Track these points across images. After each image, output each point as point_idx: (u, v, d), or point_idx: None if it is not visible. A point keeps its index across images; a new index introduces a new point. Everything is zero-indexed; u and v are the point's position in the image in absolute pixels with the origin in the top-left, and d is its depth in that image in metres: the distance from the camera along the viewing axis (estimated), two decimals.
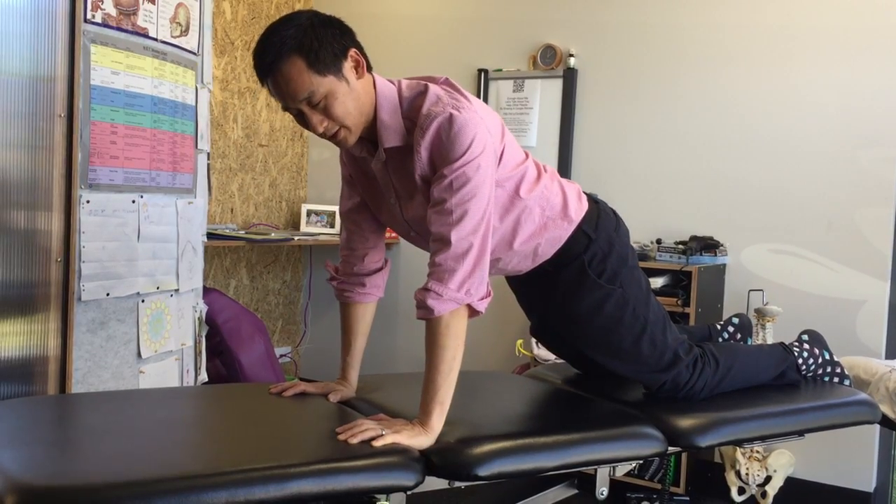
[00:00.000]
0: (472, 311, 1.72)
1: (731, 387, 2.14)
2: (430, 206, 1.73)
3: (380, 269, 2.06)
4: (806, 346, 2.33)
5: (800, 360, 2.28)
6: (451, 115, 1.69)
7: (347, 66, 1.71)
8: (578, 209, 1.98)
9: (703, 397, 2.08)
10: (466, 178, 1.68)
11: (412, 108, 1.77)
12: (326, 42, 1.68)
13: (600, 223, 2.00)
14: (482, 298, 1.72)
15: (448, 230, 1.68)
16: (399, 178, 1.83)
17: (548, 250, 1.96)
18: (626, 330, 2.00)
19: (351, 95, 1.72)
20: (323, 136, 1.76)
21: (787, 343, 2.34)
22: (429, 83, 1.79)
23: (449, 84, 1.81)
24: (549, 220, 1.94)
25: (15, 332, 2.28)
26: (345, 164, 2.01)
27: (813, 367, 2.30)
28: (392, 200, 1.89)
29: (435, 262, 1.69)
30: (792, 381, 2.28)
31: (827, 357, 2.34)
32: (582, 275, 1.97)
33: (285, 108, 1.74)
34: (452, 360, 1.69)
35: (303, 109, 1.71)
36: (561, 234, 1.95)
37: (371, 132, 1.79)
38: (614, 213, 2.10)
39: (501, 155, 1.82)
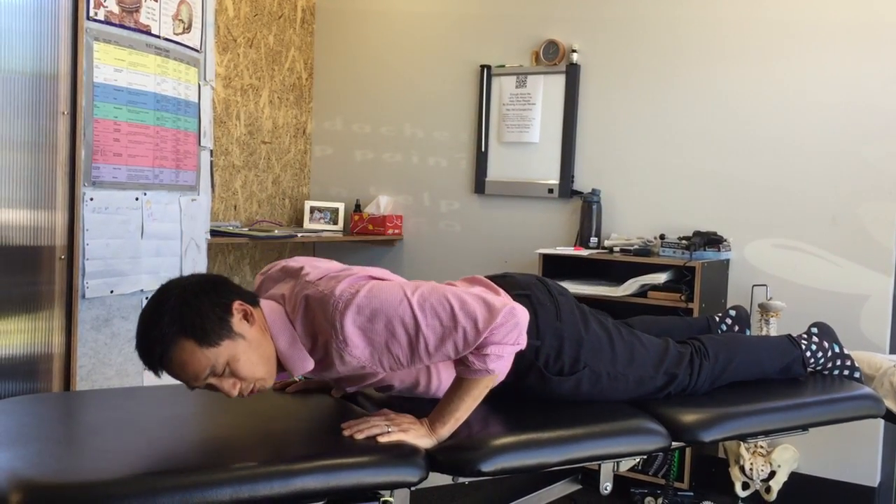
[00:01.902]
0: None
1: (734, 378, 2.14)
2: (442, 359, 1.68)
3: None
4: (815, 338, 2.31)
5: (807, 354, 2.26)
6: (352, 307, 1.61)
7: (236, 320, 1.63)
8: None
9: (706, 390, 2.08)
10: (430, 317, 1.63)
11: (308, 324, 1.68)
12: (206, 310, 1.59)
13: (540, 322, 1.90)
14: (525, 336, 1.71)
15: (476, 342, 1.63)
16: (327, 375, 1.78)
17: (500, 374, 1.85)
18: (611, 391, 1.97)
19: (251, 347, 1.63)
20: (240, 395, 1.66)
21: (795, 336, 2.32)
22: (304, 292, 1.70)
23: (310, 271, 1.74)
24: None
25: (19, 329, 2.29)
26: None
27: (822, 360, 2.29)
28: (333, 384, 1.89)
29: (488, 343, 1.64)
30: (797, 375, 2.26)
31: (837, 350, 2.31)
32: (543, 378, 1.92)
33: (192, 388, 1.65)
34: (485, 389, 1.71)
35: (210, 382, 1.63)
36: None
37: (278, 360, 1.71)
38: (549, 291, 1.99)
39: None
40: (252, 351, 1.64)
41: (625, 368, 1.97)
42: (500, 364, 1.66)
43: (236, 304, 1.64)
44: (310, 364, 1.71)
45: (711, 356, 2.07)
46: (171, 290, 1.63)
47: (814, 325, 2.38)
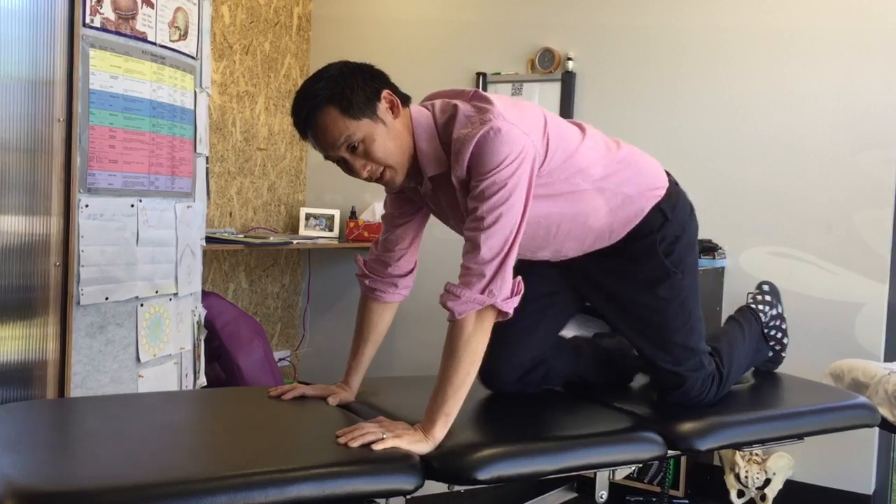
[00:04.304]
0: (500, 313, 1.73)
1: (727, 389, 2.14)
2: (467, 214, 1.75)
3: (412, 271, 2.08)
4: (767, 297, 2.40)
5: (764, 320, 2.35)
6: (481, 135, 1.69)
7: (382, 107, 1.73)
8: (660, 186, 2.01)
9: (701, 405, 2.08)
10: (498, 186, 1.69)
11: (447, 134, 1.77)
12: (357, 87, 1.71)
13: (678, 206, 2.03)
14: (507, 298, 1.71)
15: (479, 235, 1.69)
16: (448, 201, 1.85)
17: (624, 227, 1.98)
18: (670, 318, 2.01)
19: (390, 135, 1.74)
20: (369, 180, 1.78)
21: (752, 306, 2.39)
22: (458, 102, 1.79)
23: (477, 97, 1.79)
24: (626, 197, 1.95)
25: (14, 336, 2.28)
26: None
27: (771, 322, 2.36)
28: (452, 223, 1.93)
29: (465, 264, 1.71)
30: (764, 357, 2.36)
31: (780, 311, 2.40)
32: (650, 250, 1.99)
33: (327, 158, 1.77)
34: (466, 376, 1.70)
35: (344, 156, 1.74)
36: (640, 207, 1.97)
37: (415, 163, 1.81)
38: (692, 207, 2.12)
39: (548, 149, 1.81)
40: (389, 138, 1.74)
41: (696, 312, 2.05)
42: (457, 306, 1.67)
43: (386, 93, 1.75)
44: (443, 165, 1.79)
45: (717, 379, 2.08)
46: (335, 64, 1.76)
47: (764, 282, 2.47)
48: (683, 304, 2.02)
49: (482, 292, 1.68)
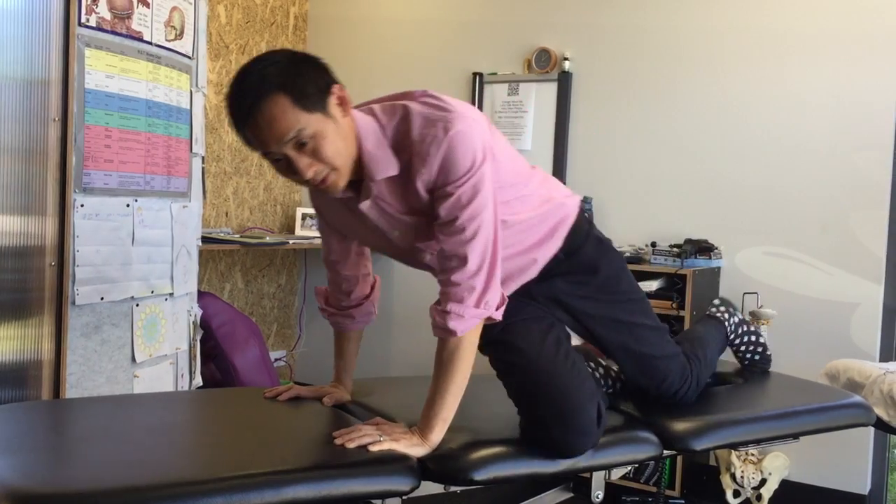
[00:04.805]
0: (489, 319, 1.71)
1: (704, 380, 2.16)
2: (438, 225, 1.66)
3: (368, 296, 2.02)
4: (722, 307, 2.43)
5: (730, 328, 2.38)
6: (452, 136, 1.59)
7: (332, 102, 1.59)
8: (570, 193, 1.97)
9: (688, 401, 2.07)
10: (475, 191, 1.62)
11: (398, 135, 1.64)
12: (310, 77, 1.57)
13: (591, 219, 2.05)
14: (499, 307, 1.70)
15: (463, 248, 1.62)
16: (397, 209, 1.73)
17: (563, 225, 1.89)
18: (635, 307, 1.99)
19: (339, 134, 1.59)
20: (309, 183, 1.62)
21: (713, 313, 2.42)
22: (406, 103, 1.66)
23: (429, 96, 1.67)
24: (556, 198, 1.89)
25: (8, 336, 2.28)
26: (320, 212, 1.92)
27: (739, 329, 2.39)
28: (396, 233, 1.78)
29: (451, 280, 1.64)
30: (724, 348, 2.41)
31: (740, 317, 2.43)
32: (602, 249, 1.96)
33: (265, 155, 1.59)
34: (463, 381, 1.69)
35: (288, 154, 1.57)
36: (570, 208, 1.91)
37: (356, 170, 1.66)
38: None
39: (494, 148, 1.74)
40: (339, 137, 1.59)
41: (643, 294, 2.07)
42: (460, 324, 1.63)
43: (336, 87, 1.60)
44: (394, 168, 1.65)
45: (696, 368, 2.08)
46: (280, 51, 1.62)
47: (716, 299, 2.50)
48: (638, 291, 2.03)
49: (477, 305, 1.64)
